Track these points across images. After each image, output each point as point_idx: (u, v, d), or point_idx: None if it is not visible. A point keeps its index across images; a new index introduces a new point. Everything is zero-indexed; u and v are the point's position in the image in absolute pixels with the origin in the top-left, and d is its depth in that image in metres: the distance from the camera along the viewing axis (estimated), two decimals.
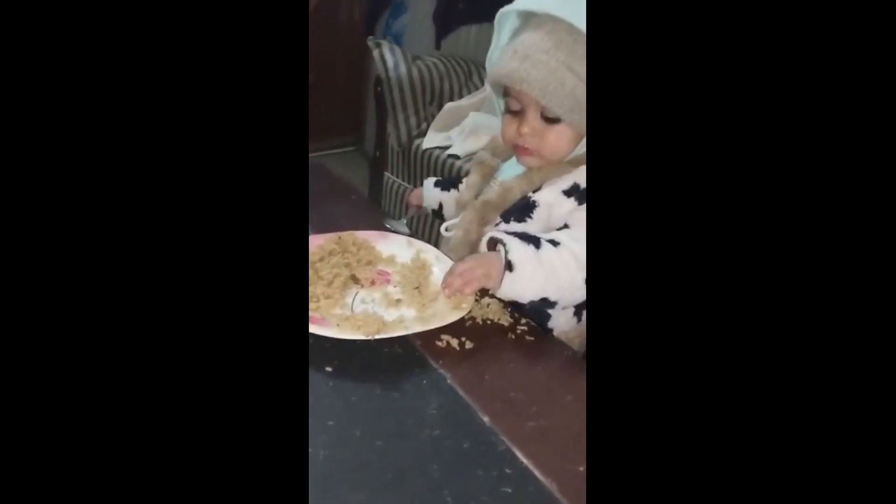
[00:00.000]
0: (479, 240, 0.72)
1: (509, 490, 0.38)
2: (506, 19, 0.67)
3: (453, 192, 0.86)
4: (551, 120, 0.64)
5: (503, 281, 0.58)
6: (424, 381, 0.49)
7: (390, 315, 0.57)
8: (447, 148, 1.59)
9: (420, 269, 0.66)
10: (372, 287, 0.63)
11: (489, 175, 0.75)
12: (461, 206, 0.76)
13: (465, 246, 0.72)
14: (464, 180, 0.87)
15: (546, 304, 0.61)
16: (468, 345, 0.54)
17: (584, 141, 0.65)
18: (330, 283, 0.60)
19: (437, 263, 0.66)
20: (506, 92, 0.67)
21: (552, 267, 0.59)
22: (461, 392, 0.48)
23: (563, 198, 0.65)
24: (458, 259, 0.68)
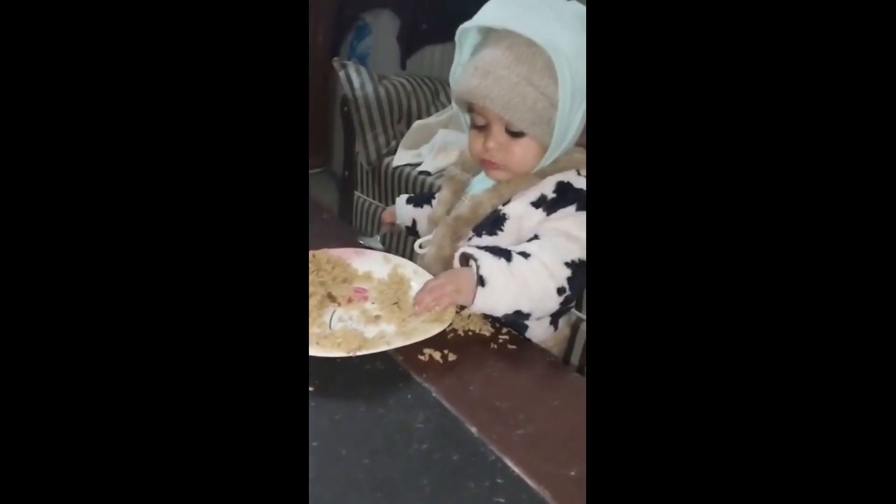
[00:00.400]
0: (452, 255, 0.71)
1: (502, 500, 0.38)
2: (466, 36, 0.68)
3: (426, 208, 0.86)
4: (516, 134, 0.65)
5: (476, 296, 0.58)
6: (409, 396, 0.48)
7: (370, 331, 0.56)
8: (417, 165, 1.60)
9: (398, 284, 0.65)
10: (349, 305, 0.62)
11: (460, 190, 0.76)
12: (434, 223, 0.76)
13: (439, 262, 0.72)
14: (436, 196, 0.87)
15: (520, 316, 0.61)
16: (451, 357, 0.54)
17: (549, 153, 0.66)
18: (313, 301, 0.59)
19: (416, 278, 0.66)
20: (470, 108, 0.67)
21: (524, 279, 0.59)
22: (447, 404, 0.47)
23: (532, 209, 0.66)
24: (433, 275, 0.68)
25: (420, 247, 0.76)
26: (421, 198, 0.88)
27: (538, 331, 0.70)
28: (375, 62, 2.10)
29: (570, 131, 0.65)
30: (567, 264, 0.60)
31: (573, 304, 0.67)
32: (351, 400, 0.47)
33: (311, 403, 0.46)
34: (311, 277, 0.64)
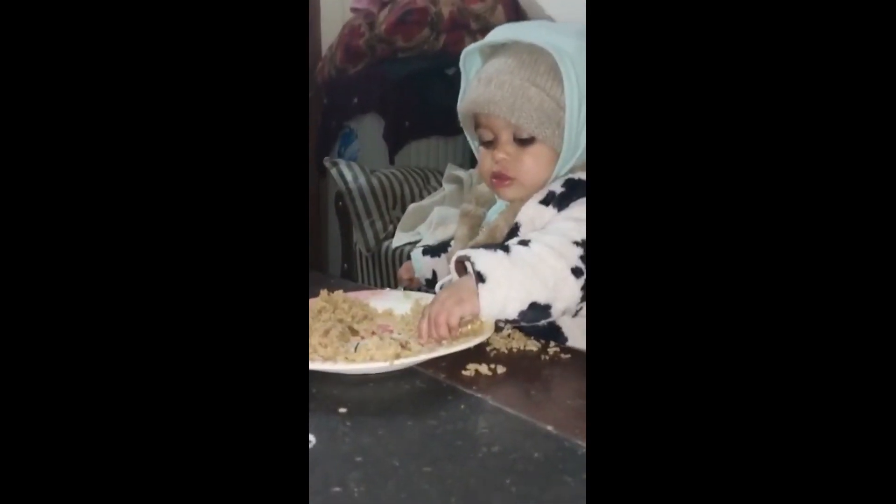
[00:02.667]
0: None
1: None
2: (470, 61, 0.69)
3: (444, 256, 0.82)
4: (525, 142, 0.62)
5: (480, 296, 0.50)
6: (462, 406, 0.40)
7: (370, 343, 0.48)
8: (417, 243, 1.58)
9: (420, 336, 0.59)
10: (374, 337, 0.55)
11: (476, 226, 0.72)
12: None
13: None
14: (454, 238, 0.84)
15: (539, 310, 0.52)
16: (500, 370, 0.46)
17: (562, 161, 0.63)
18: (326, 334, 0.52)
19: None
20: (477, 124, 0.66)
21: (529, 265, 0.51)
22: (509, 409, 0.39)
23: (542, 208, 0.62)
24: None
25: (441, 287, 0.70)
26: (438, 248, 0.84)
27: (577, 334, 0.62)
28: (365, 162, 2.19)
29: (581, 137, 0.63)
30: (577, 243, 0.54)
31: None
32: (394, 416, 0.39)
33: (346, 424, 0.37)
34: (327, 315, 0.57)
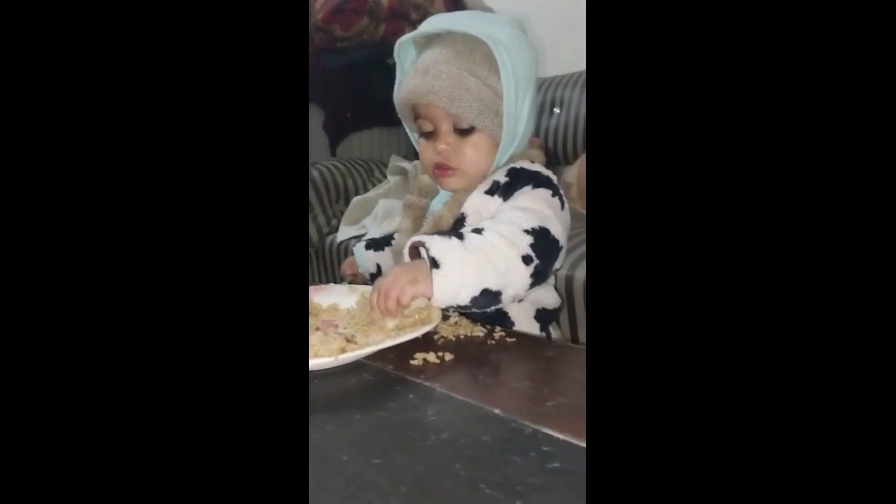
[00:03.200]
0: None
1: (558, 464, 0.30)
2: (405, 52, 0.68)
3: (387, 249, 0.81)
4: (465, 131, 0.62)
5: (434, 281, 0.51)
6: (411, 395, 0.40)
7: (315, 340, 0.47)
8: (362, 237, 1.56)
9: (369, 306, 0.58)
10: (319, 333, 0.54)
11: (420, 217, 0.72)
12: (398, 254, 0.71)
13: None
14: (398, 231, 0.83)
15: (490, 296, 0.53)
16: (448, 357, 0.46)
17: (501, 149, 0.64)
18: None
19: None
20: (416, 115, 0.65)
21: (482, 252, 0.53)
22: (458, 396, 0.39)
23: (487, 198, 0.62)
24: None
25: None
26: (381, 241, 0.83)
27: (522, 320, 0.63)
28: None
29: (518, 125, 0.64)
30: (527, 231, 0.55)
31: (545, 278, 0.61)
32: (341, 410, 0.38)
33: None
34: None
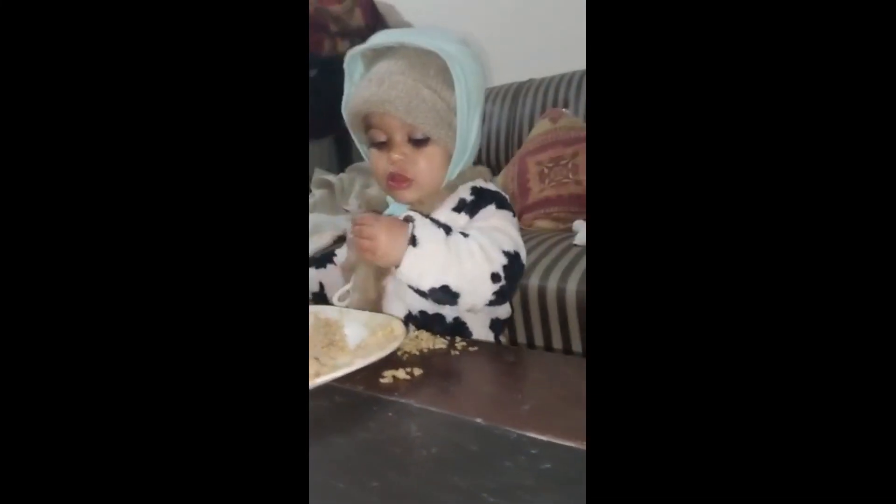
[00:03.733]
0: (379, 298, 0.66)
1: (549, 465, 0.31)
2: (354, 64, 0.68)
3: (331, 266, 0.79)
4: (420, 142, 0.63)
5: (405, 256, 0.55)
6: (389, 413, 0.40)
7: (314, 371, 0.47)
8: None
9: (326, 326, 0.57)
10: None
11: None
12: (349, 270, 0.70)
13: (366, 307, 0.65)
14: (336, 254, 0.82)
15: (448, 294, 0.56)
16: (416, 372, 0.47)
17: (454, 161, 0.65)
18: None
19: (345, 317, 0.58)
20: (368, 125, 0.65)
21: (457, 253, 0.56)
22: (436, 409, 0.40)
23: (455, 215, 0.64)
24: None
25: (339, 299, 0.68)
26: (322, 259, 0.81)
27: (477, 327, 0.65)
28: None
29: (470, 138, 0.66)
30: (504, 252, 0.58)
31: (506, 300, 0.64)
32: (321, 436, 0.37)
33: None
34: None
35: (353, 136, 0.70)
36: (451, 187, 0.66)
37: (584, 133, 1.42)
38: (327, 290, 0.78)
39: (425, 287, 0.56)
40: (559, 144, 1.42)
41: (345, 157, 1.91)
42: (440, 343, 0.54)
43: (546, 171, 1.40)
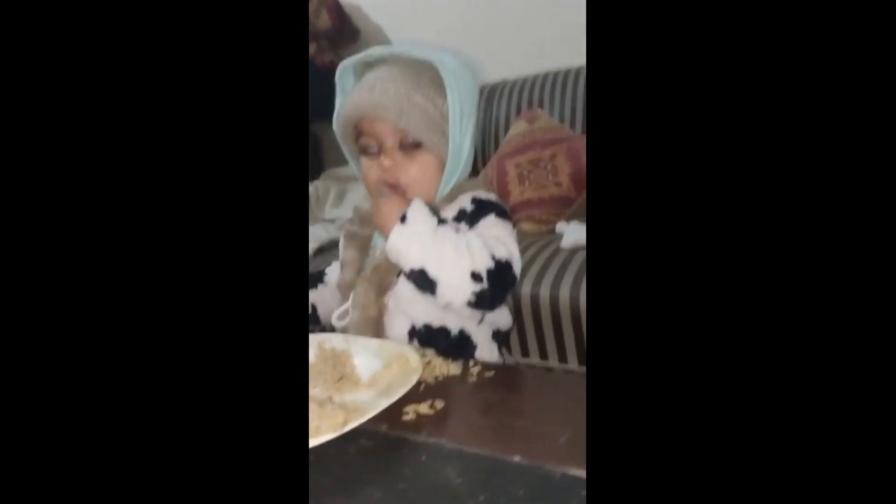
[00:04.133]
0: (380, 315, 0.64)
1: None
2: (346, 77, 0.67)
3: (321, 287, 0.77)
4: (411, 148, 0.63)
5: (393, 231, 0.57)
6: (423, 457, 0.38)
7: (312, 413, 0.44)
8: None
9: (334, 358, 0.55)
10: None
11: (366, 247, 0.70)
12: (346, 288, 0.68)
13: (367, 325, 0.63)
14: (335, 263, 0.79)
15: (426, 282, 0.57)
16: (438, 404, 0.46)
17: (448, 171, 0.64)
18: None
19: (352, 345, 0.56)
20: (358, 133, 0.64)
21: (442, 242, 0.57)
22: (470, 449, 0.39)
23: (455, 225, 0.63)
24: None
25: (338, 318, 0.66)
26: (312, 279, 0.79)
27: (487, 348, 0.65)
28: None
29: (464, 148, 0.65)
30: (493, 257, 0.58)
31: (490, 307, 0.62)
32: (357, 488, 0.36)
33: None
34: None
35: (344, 150, 0.69)
36: (450, 198, 0.66)
37: (561, 134, 1.43)
38: (320, 311, 0.76)
39: (406, 267, 0.58)
40: (537, 146, 1.42)
41: (316, 163, 1.86)
42: (454, 369, 0.53)
43: (525, 173, 1.41)
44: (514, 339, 0.99)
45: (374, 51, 0.66)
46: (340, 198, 1.60)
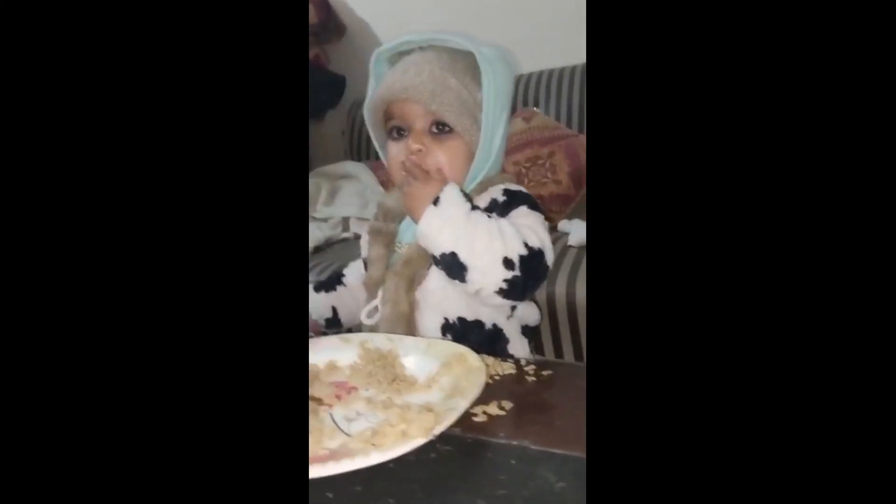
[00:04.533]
0: (411, 310, 0.62)
1: None
2: (379, 65, 0.65)
3: (341, 289, 0.74)
4: (441, 132, 0.61)
5: (425, 212, 0.55)
6: (513, 461, 0.37)
7: (392, 416, 0.42)
8: None
9: (381, 359, 0.52)
10: (341, 402, 0.47)
11: (391, 242, 0.67)
12: (373, 285, 0.65)
13: (399, 320, 0.61)
14: (353, 264, 0.76)
15: (456, 266, 0.55)
16: (506, 405, 0.44)
17: (477, 159, 0.63)
18: None
19: (399, 345, 0.54)
20: (388, 116, 0.63)
21: (475, 226, 0.55)
22: (559, 451, 0.37)
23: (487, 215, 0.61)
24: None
25: (368, 316, 0.63)
26: (331, 281, 0.76)
27: (518, 344, 0.64)
28: None
29: (495, 139, 0.63)
30: (526, 244, 0.56)
31: (521, 297, 0.60)
32: (451, 497, 0.33)
33: None
34: None
35: (373, 136, 0.67)
36: (480, 189, 0.64)
37: (558, 132, 1.44)
38: (342, 314, 0.73)
39: (437, 251, 0.56)
40: (535, 144, 1.42)
41: None
42: (508, 368, 0.51)
43: (524, 171, 1.40)
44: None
45: (409, 37, 0.64)
46: (332, 196, 1.55)
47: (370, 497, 0.34)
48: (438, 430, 0.37)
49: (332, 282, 0.75)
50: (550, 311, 0.97)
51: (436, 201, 0.56)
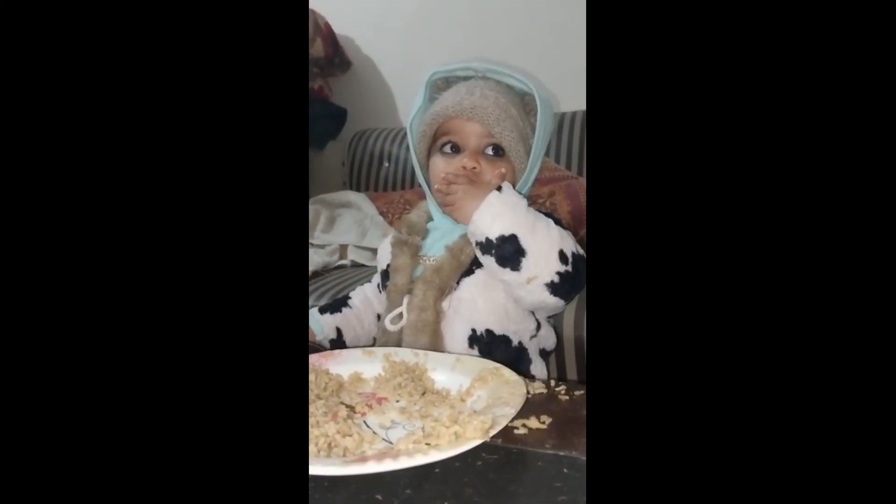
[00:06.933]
0: (437, 319, 0.61)
1: None
2: (430, 85, 0.69)
3: (346, 311, 0.73)
4: (495, 154, 0.64)
5: (488, 197, 0.56)
6: (565, 470, 0.36)
7: (444, 418, 0.40)
8: None
9: (409, 372, 0.51)
10: (373, 411, 0.45)
11: (415, 254, 0.67)
12: (398, 293, 0.64)
13: (424, 328, 0.60)
14: (360, 288, 0.77)
15: (514, 245, 0.55)
16: (546, 419, 0.43)
17: (520, 184, 0.65)
18: (335, 417, 0.40)
19: (425, 360, 0.53)
20: (441, 133, 0.65)
21: (535, 215, 0.57)
22: None
23: None
24: (419, 347, 0.57)
25: (392, 322, 0.62)
26: (336, 304, 0.76)
27: (539, 368, 0.64)
28: None
29: (534, 169, 0.67)
30: (574, 249, 0.59)
31: (565, 298, 0.60)
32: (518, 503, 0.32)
33: None
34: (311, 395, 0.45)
35: (415, 147, 0.69)
36: None
37: (558, 173, 1.48)
38: (346, 336, 0.72)
39: (495, 233, 0.55)
40: (535, 183, 1.45)
41: None
42: (539, 387, 0.50)
43: None
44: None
45: (472, 65, 0.68)
46: (331, 223, 1.55)
47: (421, 500, 0.32)
48: (493, 431, 0.36)
49: (337, 304, 0.75)
50: (558, 346, 0.96)
51: (498, 188, 0.58)
